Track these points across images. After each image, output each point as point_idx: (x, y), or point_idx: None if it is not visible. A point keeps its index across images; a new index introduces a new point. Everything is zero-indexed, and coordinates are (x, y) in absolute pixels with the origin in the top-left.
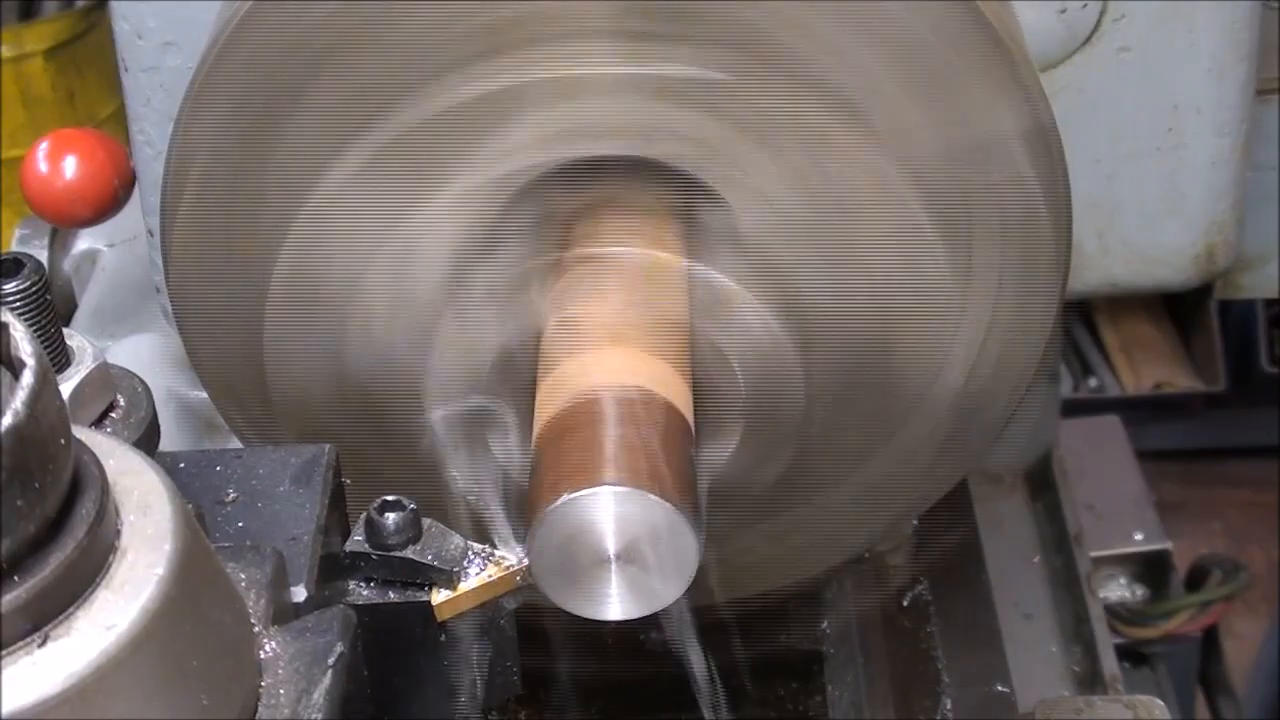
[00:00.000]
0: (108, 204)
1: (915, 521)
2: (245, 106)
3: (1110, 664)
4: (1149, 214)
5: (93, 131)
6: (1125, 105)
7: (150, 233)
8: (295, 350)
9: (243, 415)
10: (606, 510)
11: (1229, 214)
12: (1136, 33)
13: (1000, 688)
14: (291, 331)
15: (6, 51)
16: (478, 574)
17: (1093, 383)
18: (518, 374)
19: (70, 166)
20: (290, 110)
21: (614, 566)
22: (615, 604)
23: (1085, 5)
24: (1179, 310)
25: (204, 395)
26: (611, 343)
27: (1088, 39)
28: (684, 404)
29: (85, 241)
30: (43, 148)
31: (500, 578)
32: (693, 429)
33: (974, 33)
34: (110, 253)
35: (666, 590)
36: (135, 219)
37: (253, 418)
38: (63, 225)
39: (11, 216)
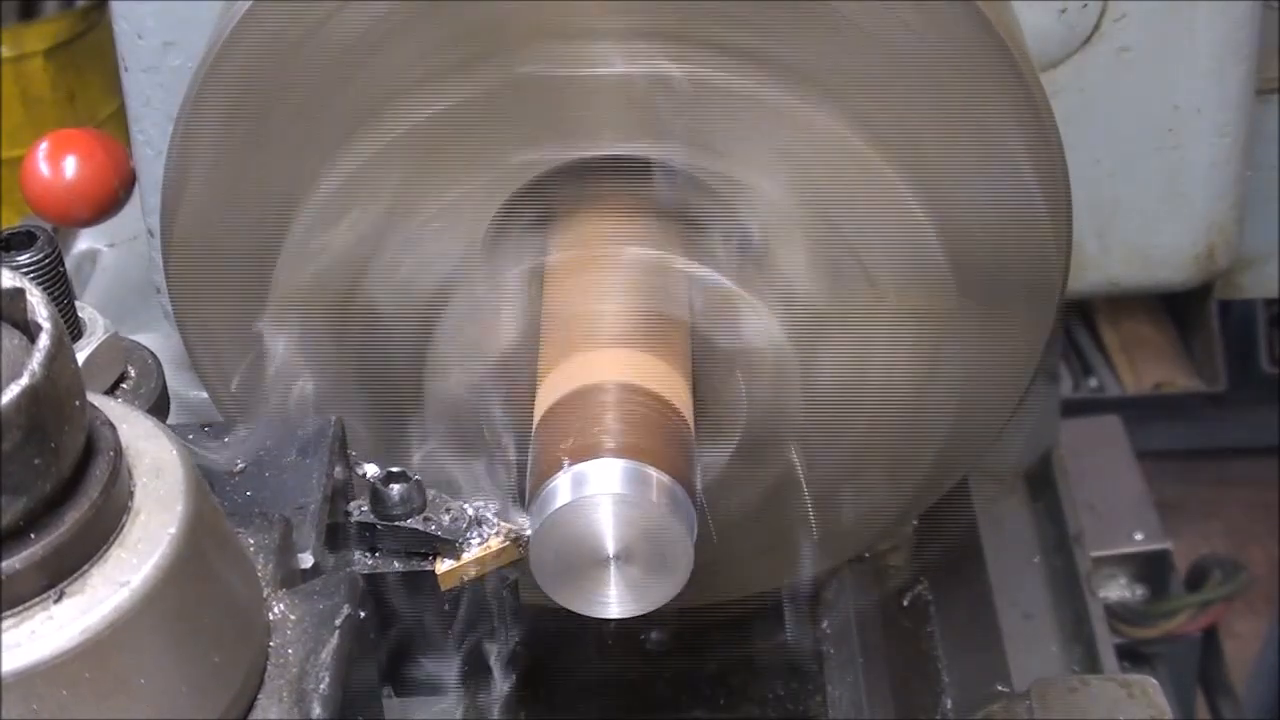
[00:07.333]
0: (108, 204)
1: (915, 521)
2: (245, 106)
3: (1110, 664)
4: (1149, 214)
5: (93, 131)
6: (1125, 105)
7: (150, 233)
8: (295, 350)
9: (242, 415)
10: (605, 510)
11: (1229, 214)
12: (1136, 33)
13: (1000, 688)
14: (291, 331)
15: (6, 51)
16: (480, 544)
17: (1093, 383)
18: (518, 373)
19: (70, 166)
20: (290, 110)
21: (612, 566)
22: (613, 603)
23: (1085, 5)
24: (1179, 310)
25: (204, 395)
26: (612, 342)
27: (1088, 39)
28: (684, 404)
29: (85, 241)
30: (43, 148)
31: (503, 548)
32: (692, 428)
33: (974, 33)
34: (110, 253)
35: (663, 589)
36: (135, 219)
37: (252, 418)
38: (63, 225)
39: (11, 216)
